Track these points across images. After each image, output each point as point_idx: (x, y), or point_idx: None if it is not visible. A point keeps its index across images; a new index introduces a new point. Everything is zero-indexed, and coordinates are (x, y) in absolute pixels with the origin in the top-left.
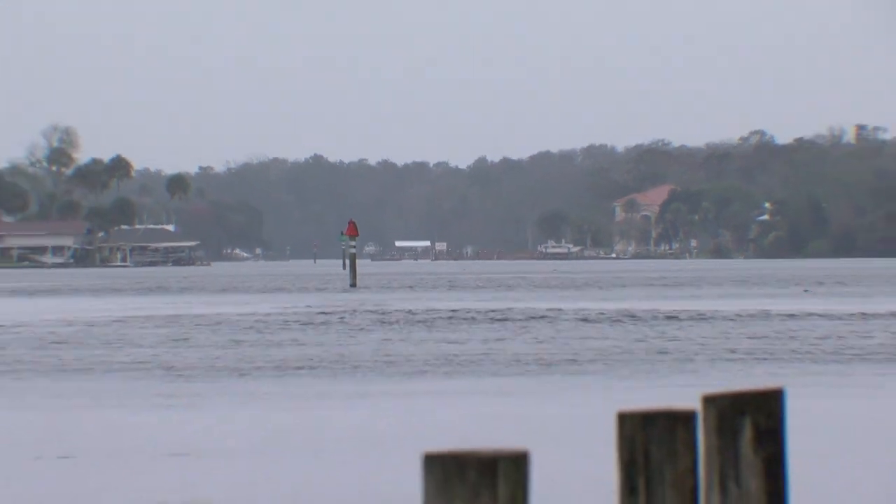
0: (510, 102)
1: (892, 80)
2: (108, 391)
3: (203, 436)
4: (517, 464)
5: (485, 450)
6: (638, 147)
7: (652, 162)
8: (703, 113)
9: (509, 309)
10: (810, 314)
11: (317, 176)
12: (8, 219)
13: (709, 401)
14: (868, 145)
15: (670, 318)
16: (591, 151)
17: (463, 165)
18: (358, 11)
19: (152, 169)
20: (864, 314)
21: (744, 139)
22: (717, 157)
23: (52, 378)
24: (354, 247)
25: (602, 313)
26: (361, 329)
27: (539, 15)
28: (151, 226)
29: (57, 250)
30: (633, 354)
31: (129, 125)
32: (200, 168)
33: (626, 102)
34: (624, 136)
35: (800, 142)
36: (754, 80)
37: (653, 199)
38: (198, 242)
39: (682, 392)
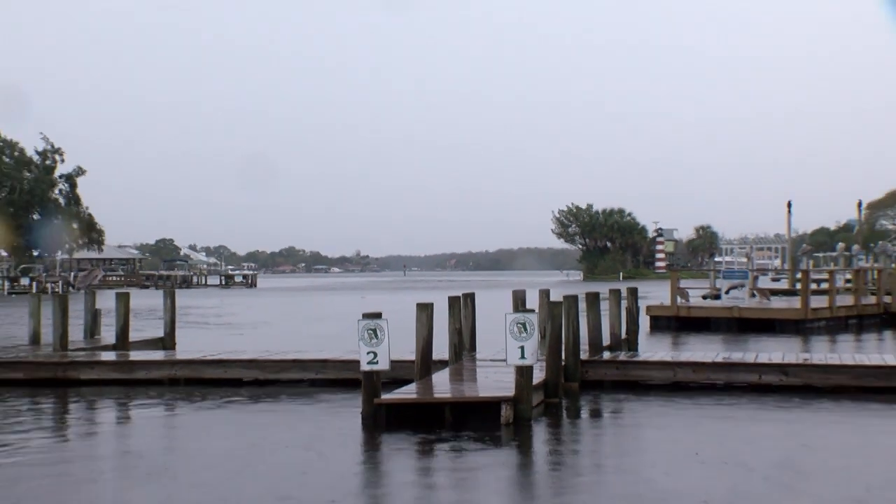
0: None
1: None
2: (366, 292)
3: (384, 303)
4: (430, 307)
5: (424, 301)
6: (453, 254)
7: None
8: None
9: (449, 279)
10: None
11: (396, 260)
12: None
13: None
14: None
15: (465, 283)
16: (445, 254)
17: (423, 255)
18: None
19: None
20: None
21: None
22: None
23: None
24: (406, 269)
25: (452, 280)
26: (415, 280)
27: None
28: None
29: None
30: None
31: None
32: (372, 258)
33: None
34: (462, 248)
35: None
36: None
37: (454, 263)
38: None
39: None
